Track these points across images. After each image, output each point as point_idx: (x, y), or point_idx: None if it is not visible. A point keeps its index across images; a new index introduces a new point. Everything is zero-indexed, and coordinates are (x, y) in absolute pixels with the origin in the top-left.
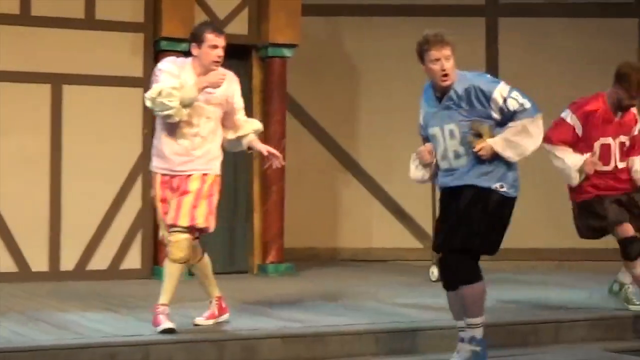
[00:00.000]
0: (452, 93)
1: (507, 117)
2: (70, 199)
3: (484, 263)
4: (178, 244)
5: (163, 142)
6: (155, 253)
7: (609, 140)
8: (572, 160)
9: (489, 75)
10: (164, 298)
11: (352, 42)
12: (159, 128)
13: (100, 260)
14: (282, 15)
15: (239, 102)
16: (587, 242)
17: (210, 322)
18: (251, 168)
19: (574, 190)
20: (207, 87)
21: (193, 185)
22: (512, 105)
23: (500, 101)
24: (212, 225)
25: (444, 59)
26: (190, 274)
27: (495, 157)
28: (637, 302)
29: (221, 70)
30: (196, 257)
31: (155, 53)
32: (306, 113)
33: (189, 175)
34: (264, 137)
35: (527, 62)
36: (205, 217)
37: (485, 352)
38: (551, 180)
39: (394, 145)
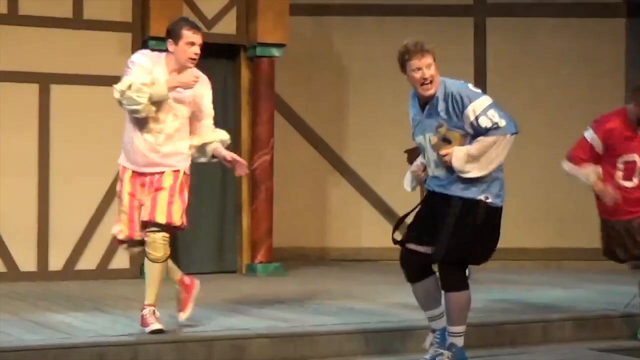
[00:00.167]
0: (434, 101)
1: (479, 133)
2: (58, 198)
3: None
4: (155, 243)
5: (130, 136)
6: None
7: (633, 157)
8: (593, 175)
9: (471, 87)
10: (149, 299)
11: (340, 41)
12: (127, 122)
13: (89, 260)
14: (270, 15)
15: (207, 107)
16: (574, 242)
17: (189, 308)
18: None
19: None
20: (178, 87)
21: (166, 181)
22: (484, 123)
23: (472, 117)
24: (185, 223)
25: (425, 68)
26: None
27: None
28: None
29: (195, 71)
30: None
31: None
32: (294, 113)
33: (162, 173)
34: (252, 136)
35: (515, 62)
36: (180, 214)
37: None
38: (537, 181)
39: (382, 145)
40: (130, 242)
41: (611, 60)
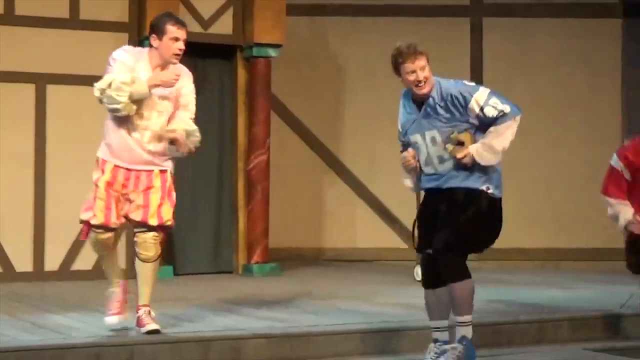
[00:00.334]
0: (430, 100)
1: (487, 123)
2: (54, 199)
3: (468, 262)
4: (145, 243)
5: (115, 133)
6: None
7: None
8: (624, 217)
9: (467, 82)
10: (144, 299)
11: (337, 42)
12: (109, 119)
13: (85, 261)
14: (267, 15)
15: (185, 98)
16: (571, 242)
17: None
18: (236, 168)
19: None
20: (159, 85)
21: (156, 182)
22: (490, 112)
23: (477, 109)
24: (173, 222)
25: (419, 70)
26: (176, 273)
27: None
28: None
29: (176, 67)
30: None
31: None
32: (291, 113)
33: (150, 172)
34: (248, 136)
35: (511, 62)
36: (171, 215)
37: (473, 352)
38: (535, 180)
39: (378, 145)
40: (105, 228)
41: (608, 60)
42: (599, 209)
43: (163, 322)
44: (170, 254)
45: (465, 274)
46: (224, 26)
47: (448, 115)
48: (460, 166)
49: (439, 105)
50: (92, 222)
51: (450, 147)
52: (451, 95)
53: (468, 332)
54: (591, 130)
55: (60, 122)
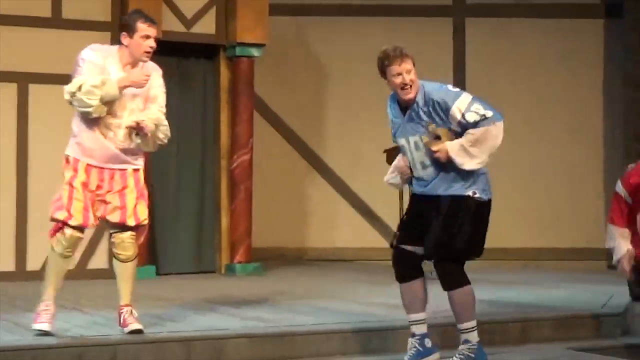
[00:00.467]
0: (414, 105)
1: (468, 128)
2: (36, 198)
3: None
4: (124, 243)
5: (87, 132)
6: None
7: None
8: (620, 252)
9: (450, 87)
10: (125, 299)
11: (319, 41)
12: (79, 117)
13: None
14: (249, 15)
15: (154, 91)
16: (553, 242)
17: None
18: (218, 167)
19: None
20: (129, 86)
21: (130, 181)
22: (472, 118)
23: (459, 116)
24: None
25: (405, 73)
26: (158, 273)
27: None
28: None
29: (146, 65)
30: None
31: None
32: (274, 112)
33: (123, 170)
34: (231, 136)
35: (493, 62)
36: (147, 213)
37: (482, 355)
38: (516, 180)
39: (361, 145)
40: (81, 229)
41: (590, 59)
42: (580, 209)
43: (145, 322)
44: (153, 254)
45: (462, 281)
46: (206, 25)
47: (430, 121)
48: (443, 172)
49: (422, 110)
50: (70, 222)
51: (425, 138)
52: (433, 101)
53: (471, 337)
54: (573, 130)
55: (42, 122)
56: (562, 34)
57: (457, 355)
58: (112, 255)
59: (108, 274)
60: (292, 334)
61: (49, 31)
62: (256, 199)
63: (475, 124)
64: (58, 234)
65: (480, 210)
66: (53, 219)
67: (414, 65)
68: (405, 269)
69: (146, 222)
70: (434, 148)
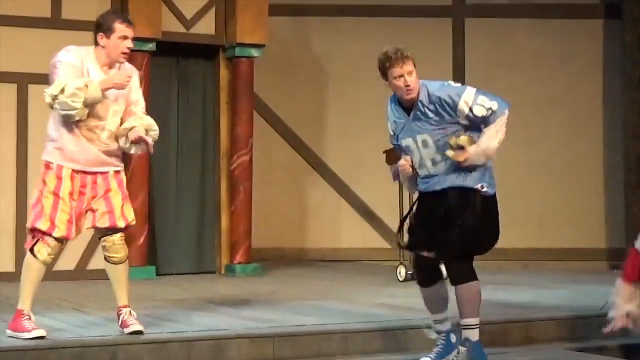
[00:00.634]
0: (419, 105)
1: (477, 122)
2: None
3: None
4: (115, 246)
5: (70, 135)
6: None
7: None
8: (617, 311)
9: (452, 83)
10: (123, 300)
11: (319, 42)
12: (61, 120)
13: (67, 261)
14: (249, 15)
15: (135, 94)
16: (553, 243)
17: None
18: (218, 168)
19: None
20: (111, 88)
21: (113, 183)
22: (479, 112)
23: (467, 110)
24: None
25: (406, 75)
26: (158, 273)
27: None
28: None
29: (124, 66)
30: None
31: None
32: (274, 113)
33: (105, 173)
34: (231, 136)
35: (493, 62)
36: (133, 214)
37: (480, 355)
38: (516, 181)
39: (361, 146)
40: (64, 241)
41: (589, 60)
42: (580, 209)
43: (145, 322)
44: (153, 254)
45: (471, 277)
46: (206, 26)
47: (437, 118)
48: (454, 165)
49: (428, 108)
50: (54, 234)
51: (450, 153)
52: (439, 99)
53: (473, 335)
54: (572, 131)
55: (41, 122)
56: (561, 34)
57: (455, 355)
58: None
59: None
60: (292, 334)
61: (49, 31)
62: (256, 199)
63: (483, 119)
64: (39, 244)
65: (487, 205)
66: (34, 229)
67: (414, 66)
68: (427, 275)
69: (134, 222)
70: (461, 159)
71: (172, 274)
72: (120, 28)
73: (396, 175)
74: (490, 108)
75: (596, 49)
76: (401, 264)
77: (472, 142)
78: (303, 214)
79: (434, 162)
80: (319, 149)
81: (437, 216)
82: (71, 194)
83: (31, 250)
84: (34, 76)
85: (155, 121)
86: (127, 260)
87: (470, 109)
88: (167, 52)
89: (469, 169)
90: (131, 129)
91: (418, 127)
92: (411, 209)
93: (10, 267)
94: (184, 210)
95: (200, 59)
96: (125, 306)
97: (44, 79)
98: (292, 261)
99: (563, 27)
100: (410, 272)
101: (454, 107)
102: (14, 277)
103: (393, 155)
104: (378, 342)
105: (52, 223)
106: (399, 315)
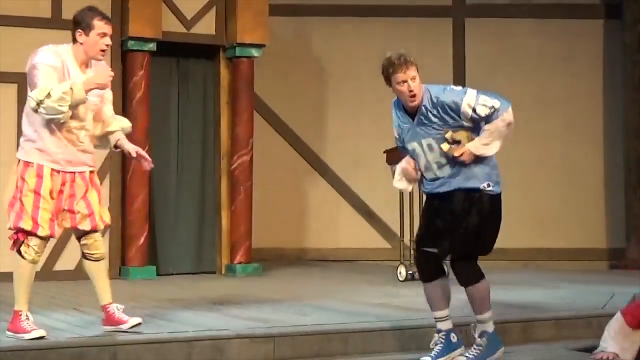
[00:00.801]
0: (422, 109)
1: (480, 122)
2: None
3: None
4: (96, 242)
5: (49, 135)
6: (122, 253)
7: None
8: (607, 347)
9: (454, 87)
10: (108, 297)
11: (319, 42)
12: (40, 121)
13: (67, 261)
14: (249, 15)
15: (109, 93)
16: (553, 242)
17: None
18: (219, 168)
19: None
20: (95, 88)
21: (90, 182)
22: (482, 111)
23: (470, 112)
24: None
25: (410, 80)
26: (158, 273)
27: (476, 158)
28: None
29: (100, 64)
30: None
31: (122, 53)
32: (274, 113)
33: (82, 172)
34: (231, 136)
35: (493, 62)
36: (108, 214)
37: (497, 344)
38: (516, 181)
39: (361, 146)
40: (47, 240)
41: (589, 60)
42: (580, 209)
43: (146, 322)
44: (153, 254)
45: (479, 276)
46: (206, 26)
47: (441, 123)
48: (460, 168)
49: (431, 113)
50: (39, 233)
51: (446, 146)
52: (442, 103)
53: (488, 327)
54: (572, 131)
55: None
56: (561, 34)
57: (475, 347)
58: (111, 256)
59: (108, 275)
60: (293, 334)
61: (49, 31)
62: (256, 199)
63: (486, 117)
64: (23, 245)
65: (492, 204)
66: (18, 229)
67: (417, 71)
68: (429, 270)
69: (110, 223)
70: (457, 153)
71: (173, 274)
72: (99, 25)
73: None
74: (493, 106)
75: (596, 49)
76: (401, 263)
77: (470, 138)
78: (303, 214)
79: (440, 166)
80: (319, 149)
81: (443, 216)
82: (51, 192)
83: (18, 251)
84: None
85: (156, 121)
86: (106, 257)
87: (474, 110)
88: (167, 52)
89: (474, 169)
90: (113, 132)
91: (423, 131)
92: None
93: (10, 268)
94: (184, 210)
95: (200, 59)
96: (110, 303)
97: None
98: (292, 261)
99: (563, 27)
100: (411, 272)
101: (457, 110)
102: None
103: (393, 155)
104: (378, 342)
105: (35, 222)
106: (399, 315)
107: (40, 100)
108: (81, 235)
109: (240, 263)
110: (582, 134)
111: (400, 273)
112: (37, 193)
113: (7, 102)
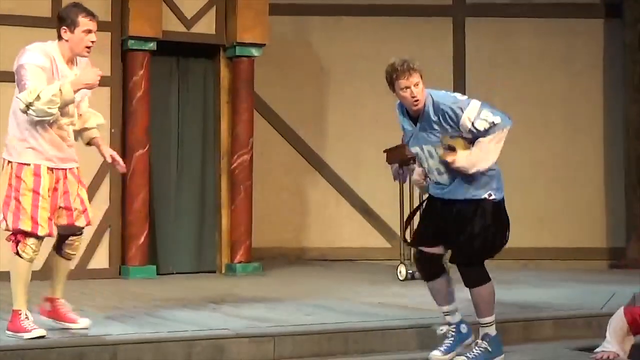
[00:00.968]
0: (425, 115)
1: (479, 136)
2: None
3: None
4: (78, 244)
5: (42, 134)
6: (122, 252)
7: None
8: (608, 347)
9: (458, 95)
10: (60, 292)
11: (319, 41)
12: (30, 120)
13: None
14: (249, 15)
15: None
16: (553, 242)
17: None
18: (219, 167)
19: None
20: (83, 88)
21: (77, 180)
22: (481, 126)
23: (469, 125)
24: None
25: (413, 87)
26: (158, 272)
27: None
28: None
29: (82, 61)
30: None
31: (122, 52)
32: (274, 112)
33: (71, 169)
34: (231, 136)
35: (493, 61)
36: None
37: (498, 348)
38: (516, 180)
39: (361, 145)
40: (43, 239)
41: (589, 60)
42: (580, 209)
43: (146, 322)
44: (153, 254)
45: (485, 279)
46: (206, 25)
47: (440, 129)
48: (459, 177)
49: (433, 120)
50: (39, 233)
51: (441, 150)
52: (443, 111)
53: (491, 330)
54: (572, 129)
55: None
56: (561, 33)
57: (476, 348)
58: (112, 255)
59: (108, 274)
60: (293, 333)
61: (49, 31)
62: (256, 199)
63: (485, 132)
64: (20, 244)
65: (496, 211)
66: (18, 231)
67: (421, 77)
68: (429, 270)
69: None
70: (448, 159)
71: (173, 273)
72: (84, 22)
73: (396, 175)
74: (493, 122)
75: (596, 48)
76: (401, 263)
77: (466, 147)
78: (303, 213)
79: (439, 172)
80: (319, 148)
81: (446, 221)
82: (48, 190)
83: (15, 251)
84: None
85: (156, 120)
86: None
87: (473, 124)
88: (167, 52)
89: (475, 178)
90: (90, 129)
91: (424, 137)
92: (417, 209)
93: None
94: (184, 209)
95: (200, 58)
96: (60, 298)
97: None
98: (292, 260)
99: (563, 26)
100: (411, 271)
101: (456, 121)
102: None
103: (393, 154)
104: (378, 342)
105: (35, 222)
106: (399, 315)
107: (30, 103)
108: (69, 234)
109: (240, 262)
110: (582, 133)
111: (400, 272)
112: (35, 192)
113: (7, 102)
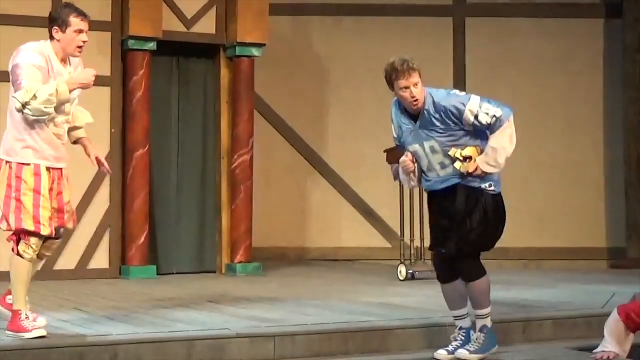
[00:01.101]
0: (425, 113)
1: (482, 129)
2: None
3: None
4: (54, 245)
5: (39, 133)
6: (122, 252)
7: None
8: (607, 347)
9: (457, 92)
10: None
11: (320, 41)
12: (24, 119)
13: (68, 260)
14: (249, 15)
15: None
16: (553, 242)
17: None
18: (219, 167)
19: None
20: (78, 88)
21: (67, 180)
22: (484, 119)
23: (472, 119)
24: None
25: (412, 86)
26: (159, 273)
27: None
28: None
29: (74, 61)
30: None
31: (122, 52)
32: (274, 113)
33: (62, 169)
34: (231, 136)
35: (493, 61)
36: None
37: (494, 339)
38: (516, 180)
39: (362, 145)
40: (45, 238)
41: (589, 60)
42: (580, 209)
43: (146, 322)
44: (154, 254)
45: (481, 272)
46: (207, 25)
47: (443, 126)
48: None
49: (434, 117)
50: (43, 232)
51: (458, 164)
52: (445, 108)
53: (487, 322)
54: (572, 130)
55: None
56: (561, 33)
57: (475, 341)
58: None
59: (108, 274)
60: (293, 333)
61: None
62: (256, 199)
63: (488, 125)
64: (22, 244)
65: (494, 203)
66: (23, 231)
67: (420, 76)
68: (445, 271)
69: None
70: (470, 170)
71: (173, 273)
72: (75, 22)
73: (397, 174)
74: (494, 115)
75: (596, 48)
76: (402, 263)
77: (480, 151)
78: (304, 213)
79: (443, 166)
80: (320, 148)
81: (447, 214)
82: (49, 190)
83: (17, 252)
84: None
85: (156, 120)
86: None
87: (476, 117)
88: (167, 52)
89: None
90: (78, 128)
91: (425, 134)
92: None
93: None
94: (184, 209)
95: (200, 58)
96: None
97: None
98: (292, 260)
99: (563, 26)
100: (411, 271)
101: (459, 116)
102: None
103: (393, 154)
104: (378, 342)
105: (37, 222)
106: (399, 315)
107: (26, 102)
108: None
109: (240, 262)
110: (582, 133)
111: (400, 272)
112: (37, 192)
113: (6, 102)
